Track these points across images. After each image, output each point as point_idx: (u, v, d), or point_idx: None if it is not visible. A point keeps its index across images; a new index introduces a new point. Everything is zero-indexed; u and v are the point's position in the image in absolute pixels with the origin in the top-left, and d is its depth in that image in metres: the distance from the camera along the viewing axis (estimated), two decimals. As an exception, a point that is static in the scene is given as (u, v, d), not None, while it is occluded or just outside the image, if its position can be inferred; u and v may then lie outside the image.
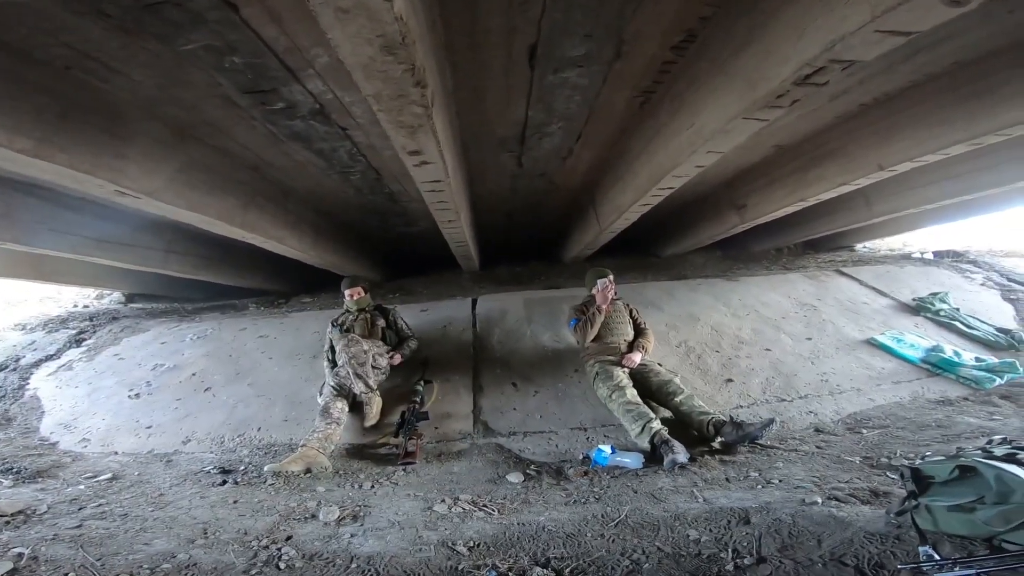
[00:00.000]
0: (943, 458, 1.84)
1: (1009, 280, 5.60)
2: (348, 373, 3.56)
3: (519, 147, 3.60)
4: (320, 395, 3.58)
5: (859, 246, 7.13)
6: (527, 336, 4.42)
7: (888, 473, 2.39)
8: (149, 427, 3.70)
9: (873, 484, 2.27)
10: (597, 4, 2.16)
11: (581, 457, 3.04)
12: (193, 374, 4.29)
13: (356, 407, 3.57)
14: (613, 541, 1.96)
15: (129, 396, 4.08)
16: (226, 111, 2.79)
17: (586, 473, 2.80)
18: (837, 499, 2.14)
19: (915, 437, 2.87)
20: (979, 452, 1.84)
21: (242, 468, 3.08)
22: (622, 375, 3.41)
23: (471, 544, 2.04)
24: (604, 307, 3.71)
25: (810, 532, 1.81)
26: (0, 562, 1.86)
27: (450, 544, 2.04)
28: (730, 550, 1.78)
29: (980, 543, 1.53)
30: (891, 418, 3.23)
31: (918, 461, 2.04)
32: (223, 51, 2.22)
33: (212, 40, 2.14)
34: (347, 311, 4.11)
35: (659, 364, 3.63)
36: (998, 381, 3.59)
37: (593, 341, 3.70)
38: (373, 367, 3.68)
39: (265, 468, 2.93)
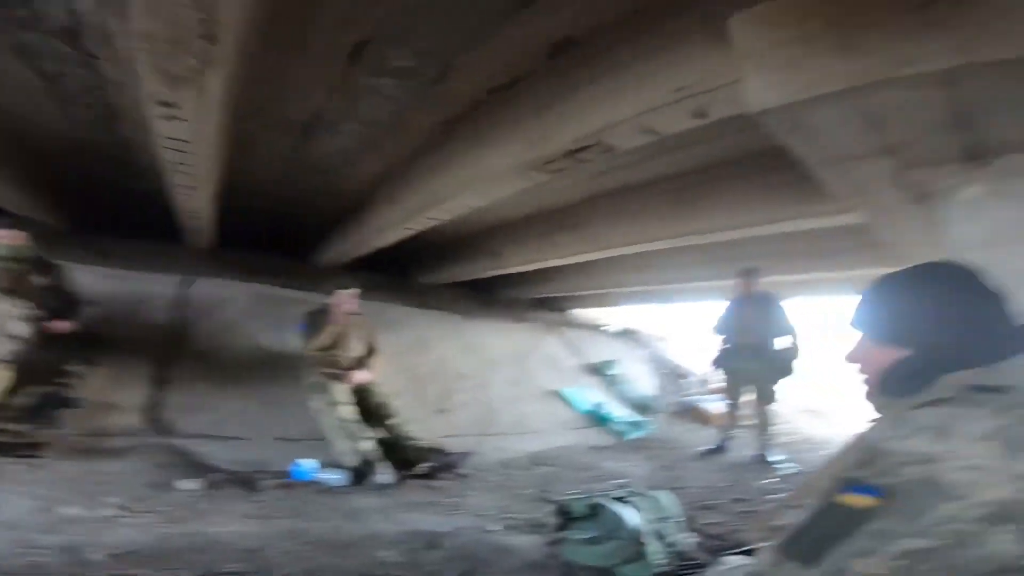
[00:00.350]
0: (582, 497, 2.22)
1: (659, 359, 7.43)
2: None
3: (304, 137, 3.29)
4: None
5: (573, 311, 8.48)
6: (247, 333, 3.94)
7: (550, 507, 2.80)
8: None
9: (539, 516, 2.62)
10: (446, 27, 2.18)
11: (280, 469, 2.78)
12: None
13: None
14: (300, 558, 1.85)
15: None
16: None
17: (282, 486, 2.57)
18: (511, 528, 2.42)
19: (574, 476, 3.50)
20: (604, 493, 2.25)
21: None
22: (342, 390, 3.27)
23: (114, 552, 1.71)
24: (341, 319, 3.54)
25: (486, 558, 2.00)
26: None
27: (78, 550, 1.69)
28: (419, 572, 1.84)
29: (606, 574, 1.88)
30: (561, 459, 3.88)
31: (565, 498, 2.37)
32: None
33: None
34: None
35: (382, 386, 3.60)
36: (634, 435, 4.68)
37: (320, 351, 3.46)
38: (9, 335, 2.70)
39: None
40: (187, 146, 2.48)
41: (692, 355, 7.50)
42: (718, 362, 4.48)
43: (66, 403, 2.71)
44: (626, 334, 7.99)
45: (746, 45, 1.49)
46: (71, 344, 3.06)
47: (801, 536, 0.60)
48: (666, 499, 2.27)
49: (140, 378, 3.18)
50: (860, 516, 0.56)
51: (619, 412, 5.09)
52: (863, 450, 0.63)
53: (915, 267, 0.83)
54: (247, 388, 3.43)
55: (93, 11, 2.09)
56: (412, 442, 3.19)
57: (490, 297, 7.20)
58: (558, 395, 5.08)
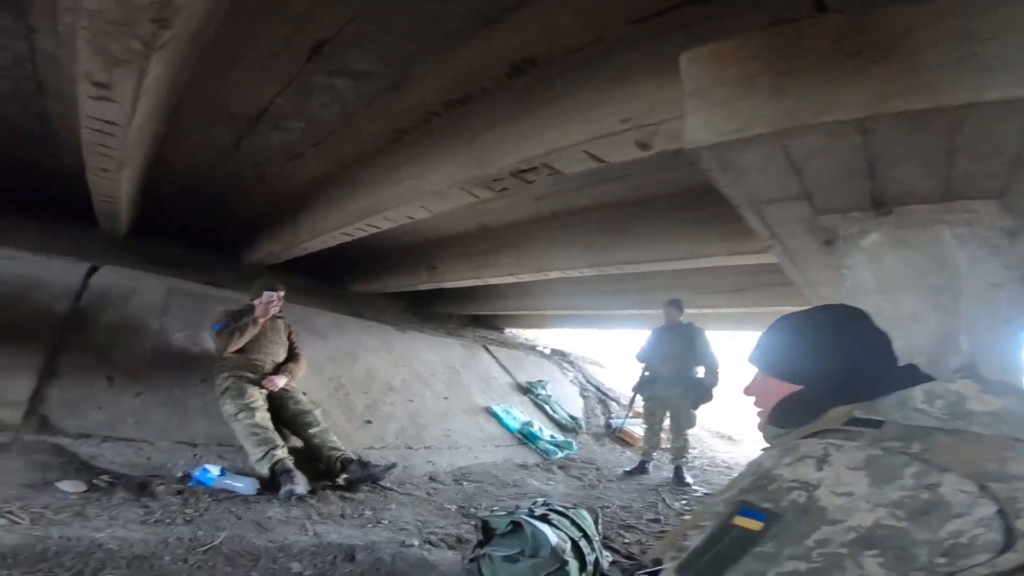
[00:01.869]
0: (504, 513, 2.20)
1: (587, 381, 7.61)
2: None
3: (246, 129, 3.15)
4: None
5: (507, 330, 8.62)
6: (155, 328, 3.63)
7: (472, 522, 2.75)
8: None
9: (461, 531, 2.60)
10: (410, 36, 2.17)
11: (180, 475, 2.55)
12: None
13: None
14: (199, 567, 1.70)
15: None
16: None
17: (180, 492, 2.36)
18: (431, 543, 2.36)
19: (499, 492, 3.47)
20: (526, 510, 2.24)
21: None
22: (257, 395, 3.09)
23: None
24: (261, 320, 3.32)
25: (404, 573, 1.94)
26: None
27: None
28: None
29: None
30: (487, 475, 3.84)
31: (487, 514, 2.37)
32: None
33: None
34: None
35: (303, 393, 3.42)
36: (560, 454, 4.72)
37: (236, 353, 3.24)
38: None
39: None
40: (114, 128, 2.33)
41: (619, 379, 7.75)
42: (640, 387, 4.70)
43: None
44: (558, 355, 8.15)
45: (692, 81, 1.56)
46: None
47: (699, 556, 0.61)
48: (586, 517, 2.30)
49: (24, 369, 2.84)
50: (750, 538, 0.58)
51: (546, 432, 5.13)
52: (755, 476, 0.67)
53: (809, 310, 0.93)
54: (148, 387, 3.14)
55: None
56: (333, 452, 3.04)
57: (425, 310, 7.15)
58: (488, 412, 5.05)
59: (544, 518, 2.12)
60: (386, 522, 2.54)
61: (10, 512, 1.84)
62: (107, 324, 3.46)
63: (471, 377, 5.64)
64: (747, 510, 0.61)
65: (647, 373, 4.63)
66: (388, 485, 3.09)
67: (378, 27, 2.16)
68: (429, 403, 4.62)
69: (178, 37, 1.76)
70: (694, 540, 0.64)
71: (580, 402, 6.73)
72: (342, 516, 2.53)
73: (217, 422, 3.06)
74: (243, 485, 2.55)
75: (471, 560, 2.06)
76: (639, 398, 4.77)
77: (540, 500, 2.61)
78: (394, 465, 3.14)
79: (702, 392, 4.38)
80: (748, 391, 0.93)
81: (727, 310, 4.99)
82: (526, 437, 4.85)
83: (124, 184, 3.23)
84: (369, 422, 3.90)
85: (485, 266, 4.62)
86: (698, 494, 4.04)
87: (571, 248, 3.98)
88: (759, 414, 0.91)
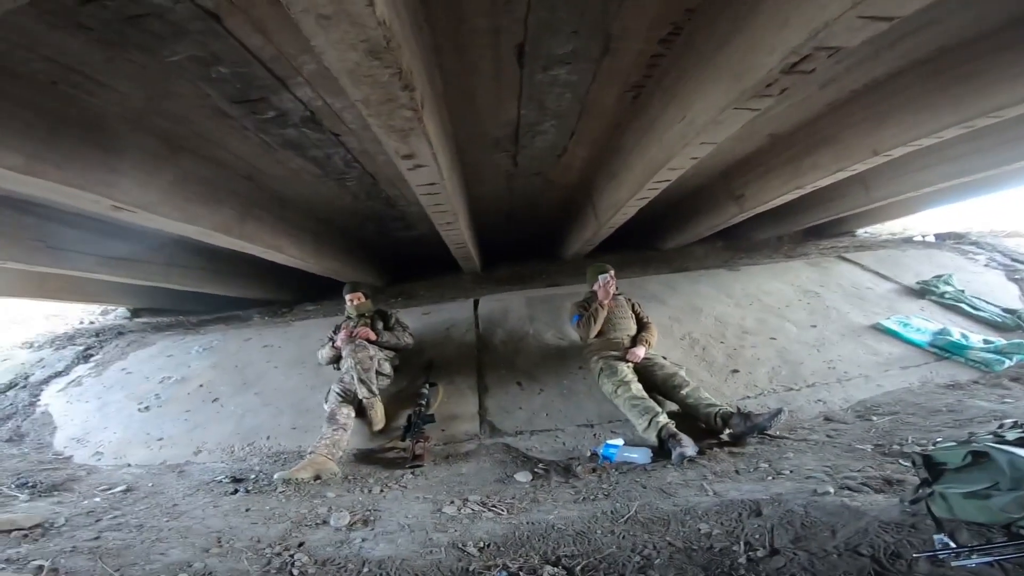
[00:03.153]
0: (955, 444, 1.80)
1: (1013, 260, 5.55)
2: (353, 378, 3.57)
3: (513, 146, 3.59)
4: (326, 402, 3.58)
5: (860, 231, 7.09)
6: (530, 335, 4.41)
7: (901, 460, 2.36)
8: (160, 439, 3.72)
9: (886, 472, 2.24)
10: (581, 1, 2.14)
11: (589, 454, 3.03)
12: (200, 385, 4.31)
13: (362, 412, 3.57)
14: (623, 537, 1.95)
15: (139, 409, 4.10)
16: (217, 121, 2.79)
17: (594, 470, 2.79)
18: (850, 488, 2.11)
19: (926, 423, 2.85)
20: (991, 437, 1.81)
21: (253, 477, 3.08)
22: (626, 370, 3.40)
23: (481, 545, 2.03)
24: (606, 302, 3.71)
25: (823, 523, 1.79)
26: (21, 574, 1.87)
27: (460, 546, 2.03)
28: (742, 543, 1.76)
29: (998, 530, 1.49)
30: (901, 404, 3.21)
31: (930, 448, 2.00)
32: (209, 61, 2.22)
33: (197, 51, 2.14)
34: (348, 317, 4.12)
35: (663, 357, 3.61)
36: (1008, 363, 3.56)
37: (596, 337, 3.70)
38: (378, 372, 3.70)
39: (275, 476, 2.93)
40: (436, 187, 2.93)
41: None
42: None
43: (426, 419, 3.45)
44: (951, 239, 6.20)
45: None
46: (416, 371, 4.00)
47: None
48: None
49: (467, 389, 3.87)
50: None
51: (974, 337, 3.94)
52: None
53: None
54: (544, 384, 3.82)
55: (314, 96, 2.59)
56: (710, 409, 3.09)
57: (747, 242, 6.56)
58: (877, 329, 4.21)
59: (1022, 442, 1.66)
60: (787, 472, 2.41)
61: (493, 506, 2.45)
62: (501, 340, 4.41)
63: (835, 295, 4.81)
64: None
65: None
66: (778, 433, 2.93)
67: (552, 10, 2.15)
68: (794, 336, 4.17)
69: (425, 93, 2.10)
70: None
71: (1012, 288, 4.95)
72: (736, 472, 2.52)
73: (602, 401, 3.50)
74: (639, 455, 2.84)
75: (912, 502, 1.75)
76: None
77: (1008, 422, 2.05)
78: (780, 411, 2.95)
79: None
80: None
81: None
82: (945, 349, 3.83)
83: (464, 231, 4.11)
84: (735, 371, 3.79)
85: (800, 173, 3.96)
86: None
87: (904, 119, 3.16)
88: None
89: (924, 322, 4.24)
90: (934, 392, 3.34)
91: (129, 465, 3.46)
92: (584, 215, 4.90)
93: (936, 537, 1.51)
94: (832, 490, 2.09)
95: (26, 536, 2.27)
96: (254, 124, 2.86)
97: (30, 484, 2.99)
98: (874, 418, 3.05)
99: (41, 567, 1.93)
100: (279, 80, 2.41)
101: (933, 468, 1.74)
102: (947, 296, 4.65)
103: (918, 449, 2.25)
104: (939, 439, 2.47)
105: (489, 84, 2.72)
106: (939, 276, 4.96)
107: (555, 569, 1.78)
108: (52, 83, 2.30)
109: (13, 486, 2.96)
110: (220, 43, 2.09)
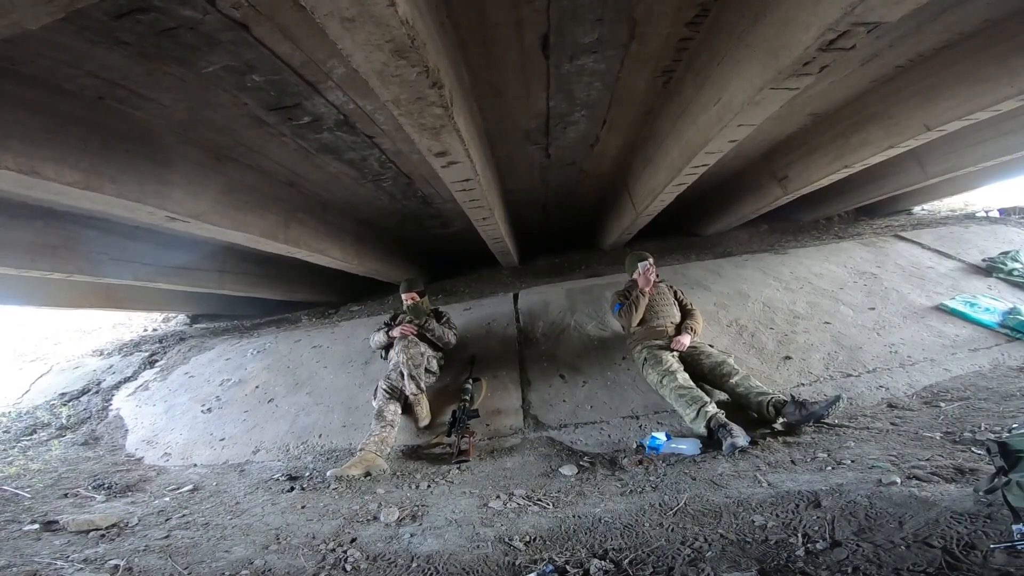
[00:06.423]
0: None
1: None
2: (402, 374, 3.64)
3: (545, 138, 3.56)
4: (374, 399, 3.67)
5: (917, 209, 6.73)
6: (571, 327, 4.37)
7: (973, 448, 2.22)
8: (222, 439, 3.91)
9: (957, 461, 2.11)
10: None
11: (635, 446, 2.98)
12: (257, 387, 4.50)
13: (408, 408, 3.65)
14: (672, 530, 1.91)
15: (202, 411, 4.32)
16: (256, 130, 2.89)
17: (641, 462, 2.75)
18: (918, 478, 2.00)
19: (1000, 408, 2.66)
20: None
21: (307, 474, 3.20)
22: (672, 359, 3.32)
23: (527, 539, 2.04)
24: (647, 290, 3.64)
25: (889, 514, 1.70)
26: (99, 574, 2.00)
27: (507, 540, 2.04)
28: (800, 535, 1.69)
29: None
30: (971, 389, 3.01)
31: (1005, 435, 1.91)
32: (243, 70, 2.30)
33: (230, 60, 2.21)
34: (404, 312, 4.18)
35: (710, 345, 3.51)
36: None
37: (639, 326, 3.63)
38: (426, 370, 3.77)
39: (328, 473, 3.02)
40: (470, 183, 2.95)
41: None
42: None
43: (471, 415, 3.49)
44: (1017, 213, 5.78)
45: None
46: (459, 367, 4.04)
47: None
48: None
49: (510, 384, 3.88)
50: None
51: (1050, 315, 3.64)
52: None
53: None
54: (587, 375, 3.78)
55: (345, 100, 2.64)
56: (762, 398, 2.97)
57: (794, 224, 6.30)
58: (942, 310, 3.96)
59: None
60: (848, 462, 2.30)
61: (539, 500, 2.45)
62: (543, 334, 4.39)
63: (894, 275, 4.54)
64: None
65: None
66: (836, 421, 2.80)
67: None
68: (851, 319, 3.96)
69: (454, 90, 2.10)
70: None
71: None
72: (792, 462, 2.42)
73: (647, 391, 3.44)
74: (687, 446, 2.77)
75: (987, 491, 1.64)
76: None
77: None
78: (838, 398, 2.80)
79: None
80: None
81: None
82: (1017, 329, 3.55)
83: (500, 225, 4.11)
84: (788, 357, 3.63)
85: (847, 151, 3.82)
86: None
87: (957, 92, 3.08)
88: None
89: (992, 301, 3.94)
90: (1007, 376, 3.11)
91: (195, 465, 3.65)
92: (621, 203, 4.82)
93: (1014, 527, 1.41)
94: (898, 480, 1.99)
95: (103, 536, 2.43)
96: (291, 130, 2.94)
97: (106, 485, 3.20)
98: (942, 404, 2.86)
99: (117, 567, 2.06)
100: (310, 85, 2.47)
101: (1009, 456, 1.63)
102: (1016, 273, 4.33)
103: (992, 436, 2.13)
104: (1015, 425, 2.31)
105: (516, 77, 2.70)
106: (1006, 252, 4.62)
107: (602, 562, 1.76)
108: (99, 98, 2.42)
109: (91, 487, 3.18)
110: (251, 52, 2.16)
